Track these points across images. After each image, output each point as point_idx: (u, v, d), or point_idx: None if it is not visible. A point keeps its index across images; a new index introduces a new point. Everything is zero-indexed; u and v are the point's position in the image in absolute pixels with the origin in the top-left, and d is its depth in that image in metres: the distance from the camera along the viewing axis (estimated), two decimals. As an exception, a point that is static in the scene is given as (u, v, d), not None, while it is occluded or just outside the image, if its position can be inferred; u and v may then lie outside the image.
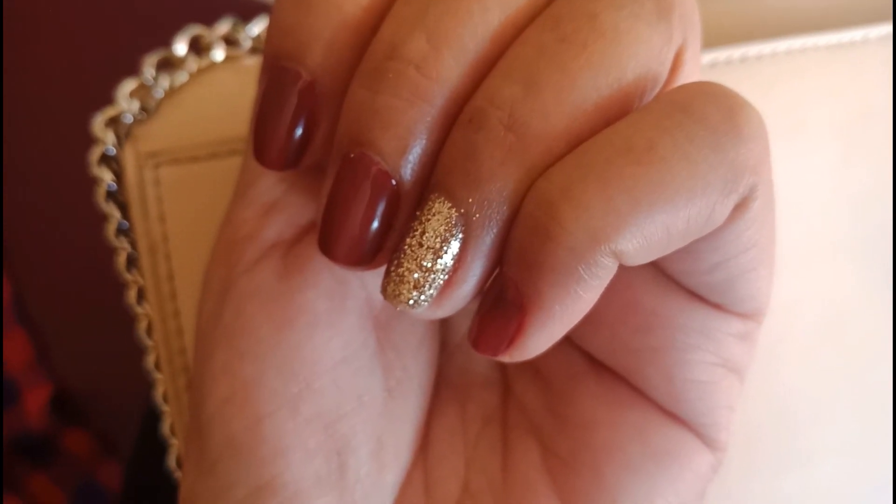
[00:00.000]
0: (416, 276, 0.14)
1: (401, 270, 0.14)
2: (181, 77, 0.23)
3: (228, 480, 0.16)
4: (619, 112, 0.14)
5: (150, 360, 0.23)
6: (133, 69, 0.23)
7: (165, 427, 0.23)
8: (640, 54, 0.14)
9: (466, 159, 0.13)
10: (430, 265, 0.14)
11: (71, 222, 0.41)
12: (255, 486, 0.16)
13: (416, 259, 0.14)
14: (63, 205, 0.42)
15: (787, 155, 0.23)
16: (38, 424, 0.42)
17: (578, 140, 0.13)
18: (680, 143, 0.13)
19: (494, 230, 0.14)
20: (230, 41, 0.24)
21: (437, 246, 0.14)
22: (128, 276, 0.23)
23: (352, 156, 0.14)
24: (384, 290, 0.14)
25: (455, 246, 0.14)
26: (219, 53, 0.23)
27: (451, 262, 0.14)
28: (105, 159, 0.22)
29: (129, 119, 0.22)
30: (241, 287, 0.17)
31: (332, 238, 0.14)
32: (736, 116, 0.13)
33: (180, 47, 0.23)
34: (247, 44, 0.24)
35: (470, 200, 0.13)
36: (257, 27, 0.25)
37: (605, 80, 0.13)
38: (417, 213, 0.14)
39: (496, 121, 0.13)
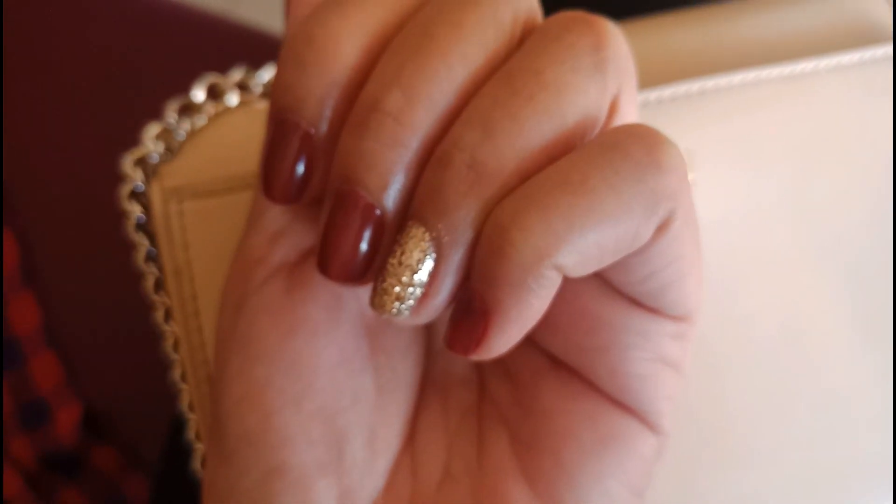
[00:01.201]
0: (397, 289, 0.16)
1: (384, 285, 0.17)
2: (200, 120, 0.26)
3: (243, 467, 0.19)
4: (562, 151, 0.16)
5: (176, 372, 0.26)
6: (157, 115, 0.26)
7: (191, 433, 0.26)
8: (578, 102, 0.16)
9: (436, 192, 0.16)
10: (408, 280, 0.16)
11: (97, 253, 0.43)
12: (266, 471, 0.19)
13: (396, 276, 0.16)
14: (91, 237, 0.45)
15: (745, 177, 0.26)
16: (70, 442, 0.44)
17: (528, 175, 0.16)
18: (607, 176, 0.15)
19: (461, 250, 0.16)
20: (243, 87, 0.27)
21: (414, 264, 0.16)
22: (155, 298, 0.26)
23: (342, 191, 0.17)
24: (372, 302, 0.17)
25: (429, 264, 0.16)
26: (233, 98, 0.26)
27: (426, 277, 0.16)
28: (134, 195, 0.25)
29: (155, 159, 0.25)
30: (253, 302, 0.19)
31: (328, 260, 0.17)
32: (656, 152, 0.16)
33: (198, 94, 0.26)
34: (258, 89, 0.27)
35: (440, 226, 0.16)
36: (267, 74, 0.27)
37: (549, 126, 0.16)
38: (399, 237, 0.17)
39: (460, 161, 0.16)
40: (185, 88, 0.26)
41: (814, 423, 0.26)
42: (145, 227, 0.25)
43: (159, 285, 0.26)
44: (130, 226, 0.26)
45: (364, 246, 0.17)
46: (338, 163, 0.17)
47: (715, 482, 0.25)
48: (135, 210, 0.25)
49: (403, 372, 0.21)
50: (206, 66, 0.40)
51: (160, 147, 0.25)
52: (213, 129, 0.26)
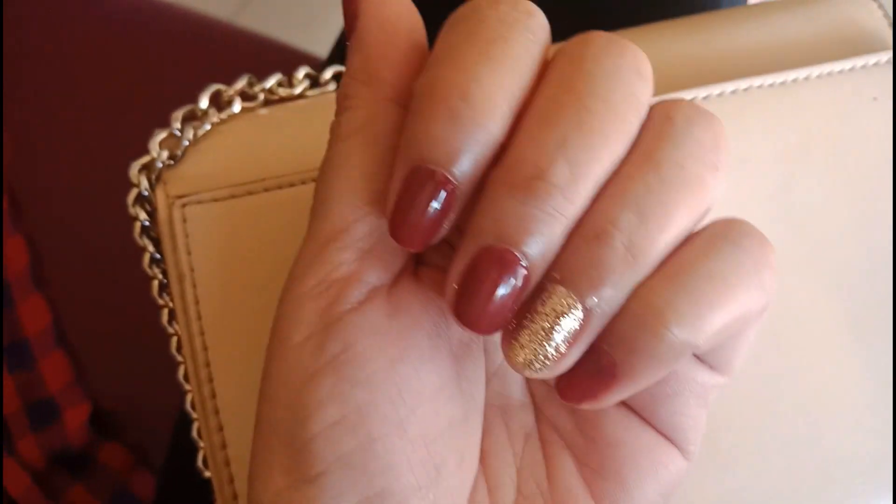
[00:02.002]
0: (537, 346, 0.18)
1: (525, 341, 0.18)
2: (204, 128, 0.26)
3: (336, 491, 0.19)
4: (688, 233, 0.18)
5: (180, 373, 0.27)
6: (166, 120, 0.27)
7: (194, 431, 0.26)
8: (708, 197, 0.18)
9: (593, 266, 0.17)
10: (550, 340, 0.18)
11: (105, 256, 0.44)
12: (366, 496, 0.19)
13: (539, 334, 0.18)
14: (99, 240, 0.45)
15: (734, 184, 0.26)
16: (78, 440, 0.45)
17: (666, 255, 0.18)
18: (743, 274, 0.18)
19: (606, 320, 0.18)
20: (246, 95, 0.28)
21: (559, 326, 0.18)
22: (160, 301, 0.27)
23: (495, 249, 0.17)
24: (508, 355, 0.18)
25: (572, 326, 0.18)
26: (236, 106, 0.27)
27: (570, 338, 0.18)
28: (140, 200, 0.26)
29: (159, 165, 0.26)
30: (350, 323, 0.19)
31: (473, 312, 0.18)
32: (769, 252, 0.19)
33: (203, 102, 0.27)
34: (260, 97, 0.28)
35: (595, 299, 0.17)
36: (269, 81, 0.28)
37: (689, 216, 0.18)
38: (544, 297, 0.18)
39: (619, 241, 0.17)
40: (194, 93, 0.26)
41: (797, 424, 0.26)
42: (150, 232, 0.26)
43: (163, 288, 0.26)
44: (137, 230, 0.26)
45: (509, 302, 0.18)
46: (492, 219, 0.17)
47: (699, 481, 0.25)
48: (140, 215, 0.26)
49: (478, 396, 0.21)
50: (213, 71, 0.40)
51: (165, 154, 0.26)
52: (216, 137, 0.26)
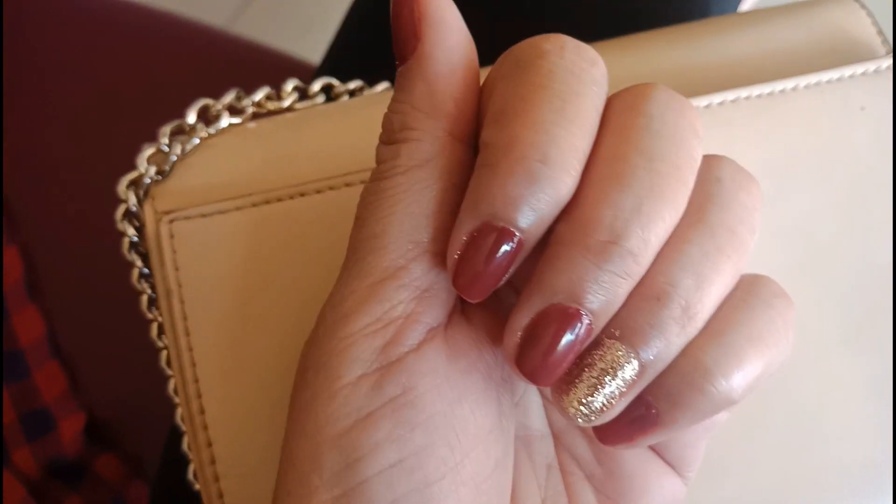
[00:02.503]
0: (592, 398, 0.18)
1: (580, 393, 0.18)
2: (192, 142, 0.26)
3: None
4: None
5: (169, 387, 0.27)
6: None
7: (184, 445, 0.26)
8: (748, 256, 0.19)
9: (653, 327, 0.18)
10: (603, 392, 0.18)
11: (99, 266, 0.44)
12: None
13: (594, 387, 0.18)
14: (93, 251, 0.45)
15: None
16: (73, 451, 0.45)
17: (713, 314, 0.19)
18: (780, 336, 0.19)
19: (655, 375, 0.19)
20: (234, 109, 0.28)
21: (614, 380, 0.18)
22: (149, 315, 0.27)
23: (564, 308, 0.18)
24: (562, 404, 0.19)
25: (625, 380, 0.18)
26: (224, 121, 0.27)
27: (619, 391, 0.18)
28: (128, 215, 0.26)
29: (147, 181, 0.26)
30: (409, 365, 0.19)
31: (537, 365, 0.18)
32: (792, 311, 0.20)
33: (190, 117, 0.27)
34: (249, 110, 0.28)
35: (651, 356, 0.18)
36: (258, 95, 0.28)
37: (734, 278, 0.19)
38: (602, 351, 0.18)
39: (676, 304, 0.18)
40: (188, 102, 0.26)
41: (788, 432, 0.27)
42: (138, 247, 0.26)
43: (152, 303, 0.26)
44: (125, 245, 0.26)
45: (570, 355, 0.18)
46: (564, 280, 0.18)
47: (691, 491, 0.25)
48: (129, 231, 0.26)
49: (511, 431, 0.22)
50: (209, 79, 0.40)
51: (153, 169, 0.26)
52: (204, 152, 0.26)
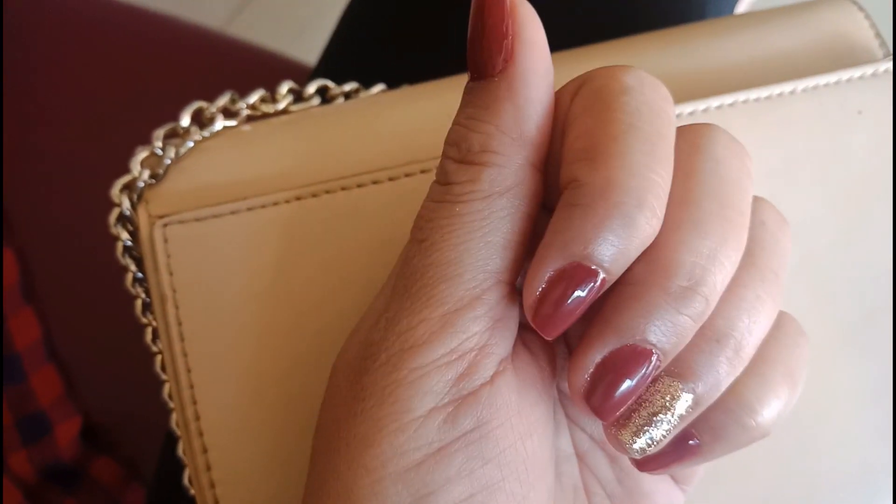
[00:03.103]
0: (646, 432, 0.19)
1: (638, 427, 0.19)
2: (186, 145, 0.26)
3: None
4: None
5: (165, 392, 0.26)
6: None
7: (180, 450, 0.26)
8: None
9: (711, 367, 0.19)
10: (659, 426, 0.19)
11: (95, 269, 0.44)
12: None
13: (652, 421, 0.19)
14: (89, 254, 0.45)
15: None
16: (70, 454, 0.45)
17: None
18: (801, 369, 0.20)
19: (703, 409, 0.19)
20: (228, 112, 0.27)
21: (670, 415, 0.19)
22: (144, 320, 0.27)
23: (637, 348, 0.18)
24: (619, 438, 0.19)
25: (680, 415, 0.19)
26: (218, 124, 0.27)
27: (672, 426, 0.19)
28: (122, 219, 0.26)
29: (141, 184, 0.25)
30: (483, 398, 0.19)
31: (607, 402, 0.18)
32: (807, 340, 0.21)
33: (184, 119, 0.27)
34: (243, 113, 0.28)
35: (704, 393, 0.19)
36: (252, 97, 0.28)
37: (774, 318, 0.20)
38: (660, 387, 0.19)
39: (732, 344, 0.19)
40: (185, 105, 0.26)
41: (782, 441, 0.26)
42: (132, 252, 0.26)
43: (147, 307, 0.26)
44: (119, 249, 0.26)
45: (637, 392, 0.19)
46: (641, 321, 0.18)
47: (689, 496, 0.25)
48: (123, 235, 0.26)
49: (554, 455, 0.22)
50: (206, 81, 0.40)
51: (146, 173, 0.25)
52: (198, 155, 0.26)
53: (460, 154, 0.19)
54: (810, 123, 0.27)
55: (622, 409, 0.19)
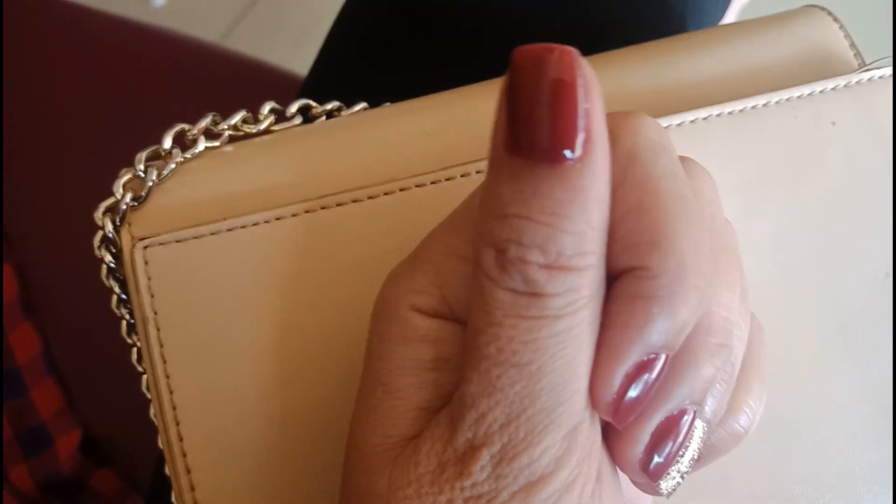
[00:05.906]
0: (677, 472, 0.19)
1: (673, 472, 0.19)
2: (169, 167, 0.26)
3: None
4: None
5: (151, 411, 0.27)
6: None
7: (166, 469, 0.27)
8: None
9: (715, 392, 0.19)
10: (682, 463, 0.19)
11: (93, 284, 0.44)
12: None
13: (680, 461, 0.19)
14: (87, 269, 0.46)
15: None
16: (70, 467, 0.45)
17: None
18: (765, 367, 0.22)
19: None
20: (210, 133, 0.28)
21: (692, 450, 0.19)
22: (129, 340, 0.27)
23: (688, 410, 0.19)
24: (658, 486, 0.19)
25: (697, 442, 0.19)
26: (200, 145, 0.27)
27: (692, 457, 0.19)
28: (105, 241, 0.26)
29: (123, 207, 0.26)
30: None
31: (663, 467, 0.19)
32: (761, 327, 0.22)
33: (166, 142, 0.27)
34: (226, 134, 0.28)
35: (712, 416, 0.19)
36: (234, 118, 0.28)
37: None
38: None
39: (728, 369, 0.19)
40: (183, 118, 0.26)
41: (766, 447, 0.27)
42: (116, 274, 0.26)
43: (132, 328, 0.27)
44: (104, 272, 0.27)
45: (682, 447, 0.19)
46: (696, 386, 0.19)
47: (690, 498, 0.25)
48: (106, 257, 0.26)
49: None
50: (203, 94, 0.41)
51: (129, 196, 0.26)
52: (181, 177, 0.26)
53: (548, 259, 0.16)
54: (785, 135, 0.27)
55: (670, 466, 0.19)
